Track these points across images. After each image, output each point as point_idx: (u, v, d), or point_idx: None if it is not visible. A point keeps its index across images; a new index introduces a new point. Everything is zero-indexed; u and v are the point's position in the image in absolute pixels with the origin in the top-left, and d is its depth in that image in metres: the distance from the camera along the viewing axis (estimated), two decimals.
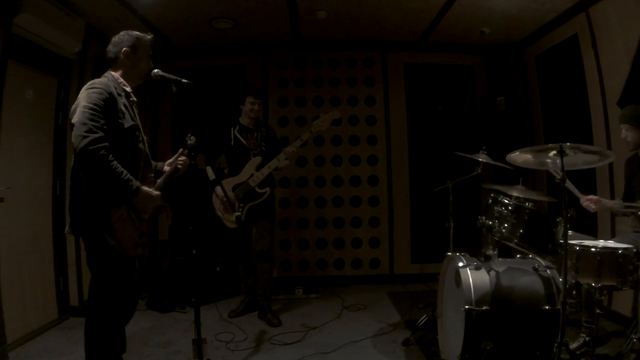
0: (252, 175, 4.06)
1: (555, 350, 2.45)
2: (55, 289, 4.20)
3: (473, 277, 2.71)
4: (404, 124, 5.60)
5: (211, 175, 4.09)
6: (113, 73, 2.54)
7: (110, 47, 2.56)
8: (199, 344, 2.50)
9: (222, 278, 4.93)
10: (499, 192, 3.08)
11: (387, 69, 5.61)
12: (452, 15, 4.61)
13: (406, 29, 5.11)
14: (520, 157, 2.78)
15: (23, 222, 3.81)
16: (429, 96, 5.61)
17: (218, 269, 4.91)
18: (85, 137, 2.18)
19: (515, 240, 2.84)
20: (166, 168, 2.77)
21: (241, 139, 4.16)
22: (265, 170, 4.05)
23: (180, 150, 2.74)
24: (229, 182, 4.10)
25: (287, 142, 4.58)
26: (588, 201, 3.09)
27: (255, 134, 4.21)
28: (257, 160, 4.11)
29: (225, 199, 3.92)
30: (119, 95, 2.43)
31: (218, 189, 4.02)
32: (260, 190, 4.07)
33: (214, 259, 4.90)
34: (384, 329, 3.85)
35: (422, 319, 3.59)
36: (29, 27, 3.59)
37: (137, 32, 2.60)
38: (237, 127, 4.20)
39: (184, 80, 2.57)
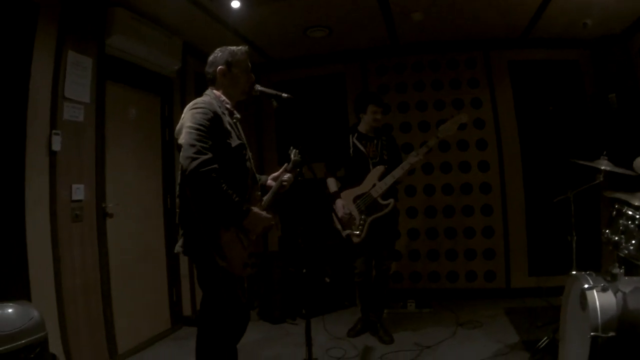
0: (374, 185, 3.81)
1: None
2: (169, 299, 4.36)
3: (600, 300, 2.41)
4: (513, 126, 5.17)
5: (332, 187, 3.98)
6: (215, 91, 2.49)
7: (207, 68, 2.52)
8: None
9: (331, 290, 4.83)
10: (622, 202, 2.79)
11: (491, 68, 5.23)
12: (554, 8, 4.17)
13: (506, 25, 4.73)
14: None
15: (134, 235, 3.97)
16: (537, 95, 5.13)
17: (327, 280, 4.80)
18: (195, 158, 2.12)
19: None
20: (270, 182, 2.69)
21: (360, 147, 3.96)
22: (389, 180, 3.77)
23: (285, 165, 2.68)
24: (349, 193, 3.90)
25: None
26: None
27: (375, 141, 3.99)
28: (380, 169, 3.85)
29: (345, 216, 3.80)
30: (223, 113, 2.38)
31: (338, 202, 3.88)
32: (384, 202, 3.81)
33: (323, 270, 4.81)
34: (501, 350, 3.53)
35: (543, 342, 3.31)
36: (123, 48, 3.68)
37: (232, 47, 2.52)
38: (356, 134, 4.01)
39: (284, 95, 2.52)
